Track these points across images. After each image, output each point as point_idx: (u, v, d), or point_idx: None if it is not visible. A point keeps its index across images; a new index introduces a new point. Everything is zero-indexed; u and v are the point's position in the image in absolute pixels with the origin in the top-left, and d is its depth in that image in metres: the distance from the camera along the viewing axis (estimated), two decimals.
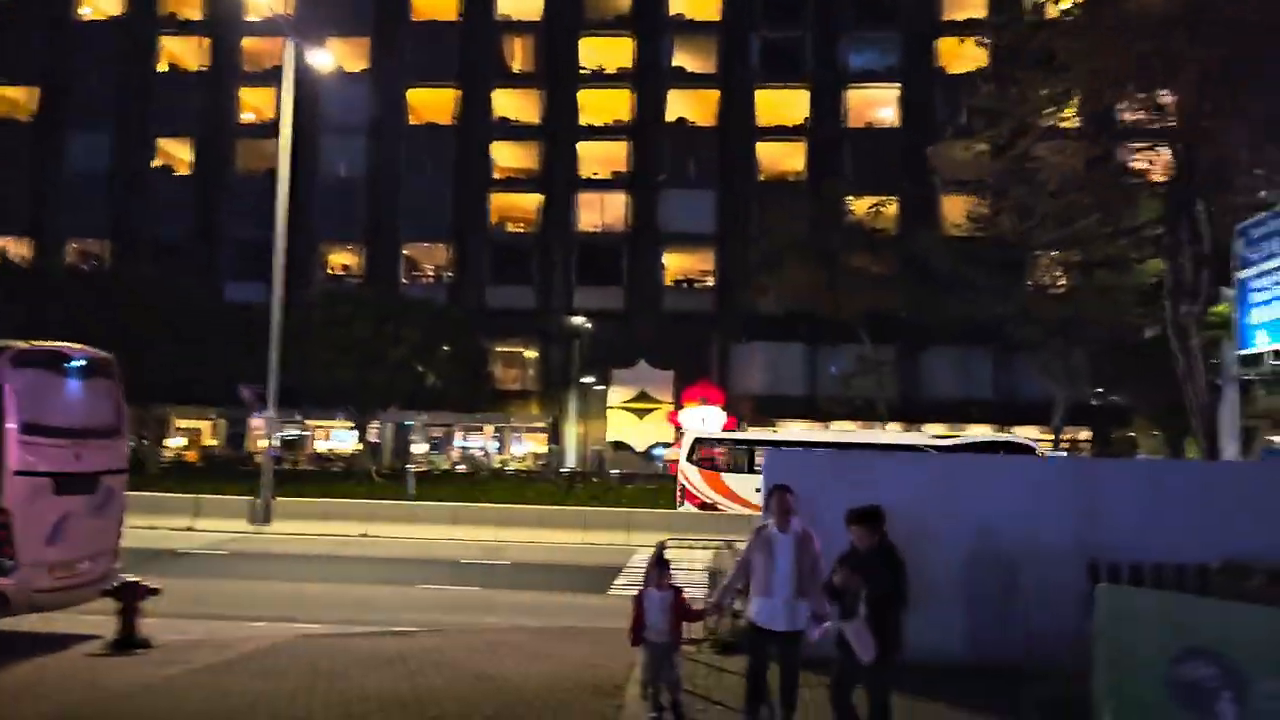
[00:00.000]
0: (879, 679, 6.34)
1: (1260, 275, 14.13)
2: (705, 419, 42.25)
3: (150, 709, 8.11)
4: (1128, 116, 14.26)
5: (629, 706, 8.05)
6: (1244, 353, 15.75)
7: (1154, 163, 14.62)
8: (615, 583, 16.97)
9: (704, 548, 13.31)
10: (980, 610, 9.28)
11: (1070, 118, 13.92)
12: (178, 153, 54.81)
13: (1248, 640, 5.00)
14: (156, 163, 54.24)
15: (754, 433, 31.09)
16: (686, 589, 8.21)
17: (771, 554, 6.95)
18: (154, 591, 10.55)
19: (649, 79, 53.05)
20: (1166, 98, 12.56)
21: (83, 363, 11.02)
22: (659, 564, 7.93)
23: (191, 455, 50.71)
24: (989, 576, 9.29)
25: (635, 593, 7.94)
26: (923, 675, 8.35)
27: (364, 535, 22.52)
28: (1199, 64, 10.71)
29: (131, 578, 10.67)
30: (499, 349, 50.76)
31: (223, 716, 7.88)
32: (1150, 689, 5.34)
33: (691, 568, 13.82)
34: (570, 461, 50.52)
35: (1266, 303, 13.99)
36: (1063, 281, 35.49)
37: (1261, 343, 14.52)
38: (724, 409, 43.19)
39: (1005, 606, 9.23)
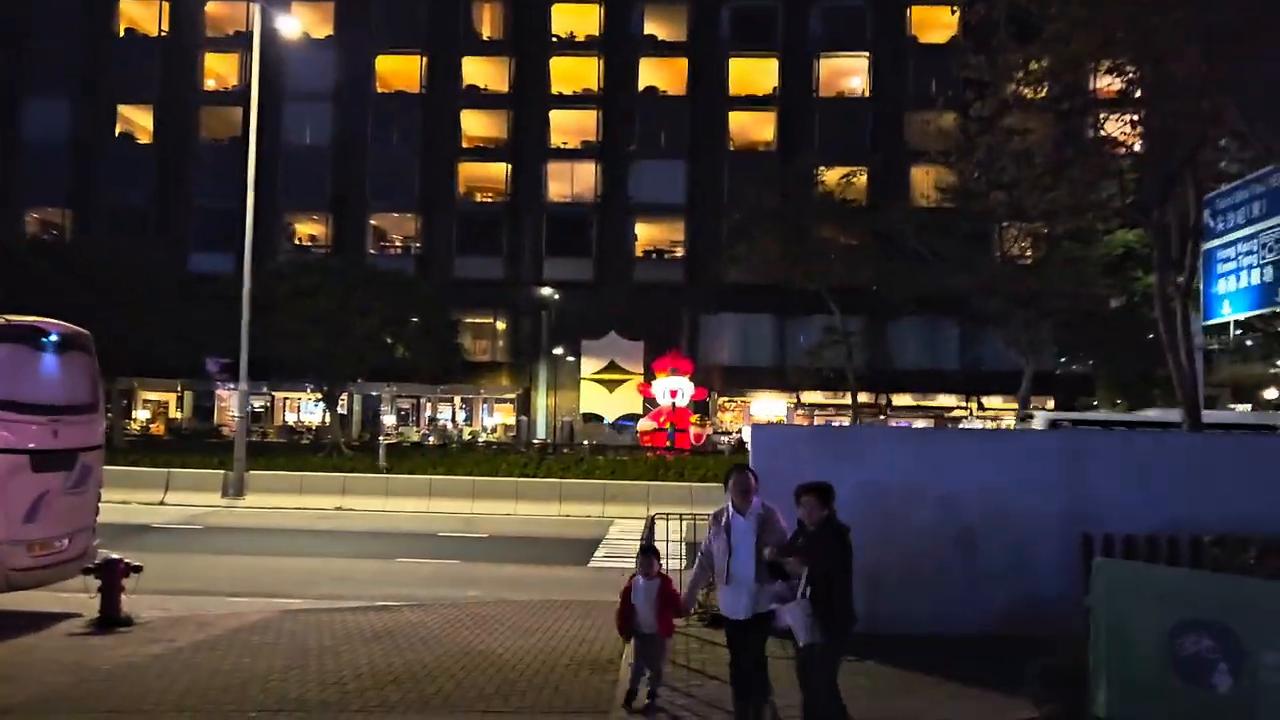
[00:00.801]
0: (825, 659, 6.21)
1: (1225, 246, 14.37)
2: (676, 390, 42.35)
3: (139, 690, 7.99)
4: (1111, 87, 14.30)
5: (624, 683, 8.06)
6: (1209, 322, 16.05)
7: (1137, 134, 14.74)
8: (595, 554, 17.05)
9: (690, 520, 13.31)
10: (970, 582, 9.36)
11: (1057, 92, 13.96)
12: (139, 120, 53.54)
13: (1247, 613, 5.10)
14: (117, 130, 53.00)
15: (1106, 412, 31.19)
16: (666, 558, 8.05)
17: (729, 540, 6.59)
18: (136, 569, 10.45)
19: (619, 47, 52.48)
20: (1152, 67, 12.61)
21: (60, 338, 10.81)
22: (645, 552, 7.78)
23: (158, 428, 50.07)
24: (979, 548, 9.39)
25: (624, 586, 7.77)
26: (917, 647, 8.45)
27: (339, 509, 22.41)
28: (1208, 33, 10.70)
29: (113, 555, 10.55)
30: (468, 320, 50.22)
31: (216, 695, 7.80)
32: (1148, 661, 5.43)
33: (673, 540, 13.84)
34: (541, 433, 50.46)
35: (1231, 273, 14.25)
36: (1030, 254, 35.76)
37: (1226, 313, 14.79)
38: (693, 380, 43.29)
39: (994, 578, 9.35)
